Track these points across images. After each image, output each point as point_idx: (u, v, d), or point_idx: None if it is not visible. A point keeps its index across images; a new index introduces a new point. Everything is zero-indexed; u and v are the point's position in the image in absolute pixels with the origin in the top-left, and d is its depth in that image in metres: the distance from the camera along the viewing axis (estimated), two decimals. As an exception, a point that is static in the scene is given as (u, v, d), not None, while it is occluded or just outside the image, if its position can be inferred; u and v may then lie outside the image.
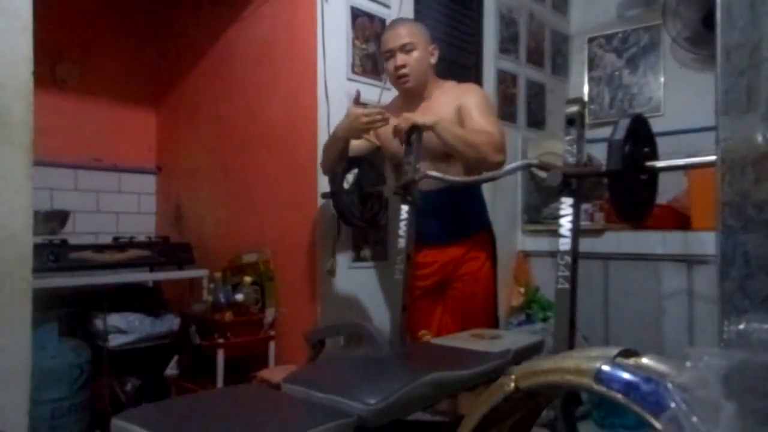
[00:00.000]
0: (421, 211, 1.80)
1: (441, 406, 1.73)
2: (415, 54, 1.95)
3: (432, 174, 1.74)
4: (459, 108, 1.92)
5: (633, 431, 2.41)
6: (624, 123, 1.22)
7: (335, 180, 1.94)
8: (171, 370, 2.32)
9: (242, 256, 2.46)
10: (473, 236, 2.06)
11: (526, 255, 3.23)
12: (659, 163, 1.27)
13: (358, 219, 2.00)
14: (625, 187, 1.26)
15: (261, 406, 1.24)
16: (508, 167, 1.63)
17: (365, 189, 1.97)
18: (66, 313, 2.22)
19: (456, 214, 2.03)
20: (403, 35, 1.95)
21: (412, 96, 2.03)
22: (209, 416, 1.15)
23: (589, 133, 3.19)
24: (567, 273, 1.31)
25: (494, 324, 2.09)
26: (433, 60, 2.03)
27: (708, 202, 2.16)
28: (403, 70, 1.96)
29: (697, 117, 3.02)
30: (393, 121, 1.90)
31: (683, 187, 2.81)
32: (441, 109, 1.94)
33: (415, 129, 1.78)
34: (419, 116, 1.80)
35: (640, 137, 1.25)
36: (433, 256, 2.01)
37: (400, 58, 1.95)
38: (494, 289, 2.10)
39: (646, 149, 1.27)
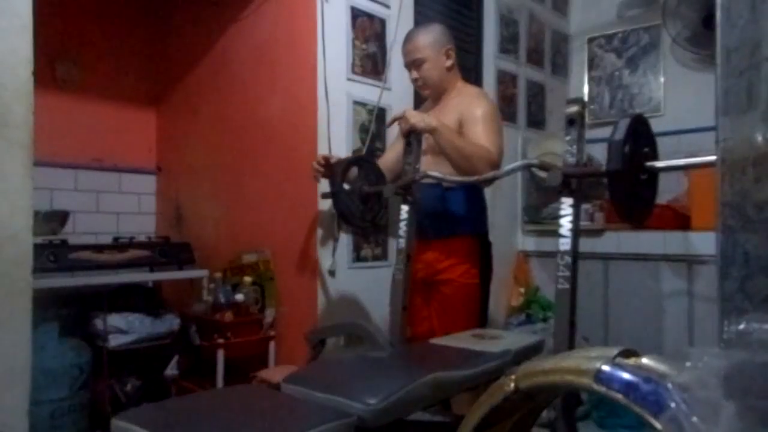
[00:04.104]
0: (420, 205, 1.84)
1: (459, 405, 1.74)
2: (424, 67, 2.06)
3: (432, 174, 1.75)
4: (462, 117, 1.98)
5: (633, 431, 2.41)
6: (624, 123, 1.23)
7: (335, 180, 1.94)
8: (171, 370, 2.32)
9: (242, 256, 2.47)
10: (457, 238, 2.04)
11: (526, 255, 3.23)
12: (659, 163, 1.27)
13: (359, 219, 2.00)
14: (626, 187, 1.26)
15: (261, 406, 1.24)
16: (508, 167, 1.63)
17: (365, 189, 1.98)
18: (66, 313, 2.22)
19: (444, 213, 2.03)
20: (411, 51, 2.07)
21: (434, 99, 2.15)
22: (209, 416, 1.15)
23: (589, 133, 3.19)
24: (567, 273, 1.32)
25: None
26: (449, 62, 2.09)
27: (708, 202, 2.16)
28: (418, 83, 2.12)
29: (697, 117, 3.02)
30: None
31: (683, 187, 2.81)
32: (445, 116, 1.96)
33: (413, 131, 1.80)
34: (419, 119, 1.81)
35: (640, 137, 1.26)
36: (418, 252, 2.00)
37: (413, 74, 2.10)
38: (480, 297, 2.06)
39: (646, 149, 1.27)
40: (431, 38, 2.06)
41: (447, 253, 2.03)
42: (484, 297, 2.09)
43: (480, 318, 2.07)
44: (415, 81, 2.12)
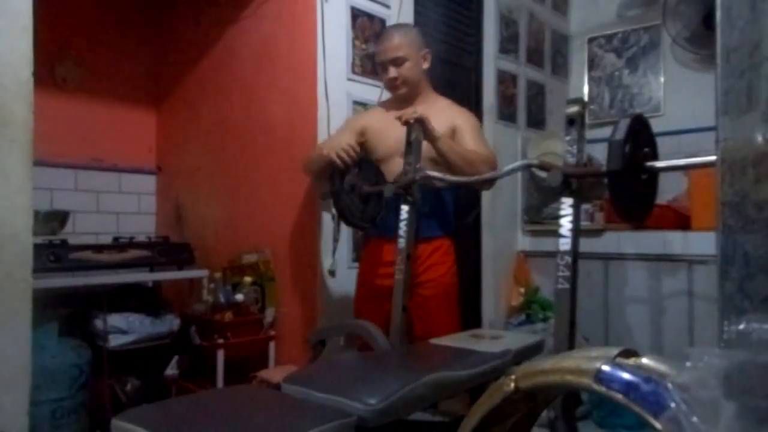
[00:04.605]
0: (393, 206, 1.87)
1: (449, 406, 1.74)
2: (406, 65, 2.03)
3: (432, 174, 1.75)
4: (453, 128, 2.01)
5: (633, 431, 2.41)
6: (624, 123, 1.23)
7: (335, 180, 1.94)
8: (171, 370, 2.32)
9: (242, 256, 2.47)
10: (438, 239, 2.06)
11: (526, 255, 3.23)
12: (659, 164, 1.27)
13: (359, 219, 2.00)
14: (626, 187, 1.26)
15: (261, 406, 1.24)
16: (508, 167, 1.63)
17: (365, 189, 1.97)
18: (66, 313, 2.22)
19: (426, 213, 2.03)
20: (394, 48, 2.02)
21: (405, 99, 2.09)
22: (209, 416, 1.15)
23: (589, 133, 3.19)
24: (567, 273, 1.32)
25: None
26: (426, 64, 2.09)
27: (708, 202, 2.16)
28: (396, 82, 2.05)
29: (697, 117, 3.03)
30: (383, 123, 2.02)
31: (683, 187, 2.81)
32: (439, 121, 1.95)
33: (419, 121, 1.81)
34: (429, 121, 1.83)
35: (640, 137, 1.26)
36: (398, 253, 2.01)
37: (392, 71, 2.03)
38: (458, 297, 2.09)
39: (646, 149, 1.27)
40: (412, 38, 2.06)
41: (429, 254, 2.03)
42: (461, 297, 2.11)
43: (461, 318, 2.09)
44: (393, 80, 2.05)
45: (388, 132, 2.02)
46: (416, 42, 2.06)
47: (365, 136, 2.10)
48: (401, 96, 2.09)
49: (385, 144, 2.04)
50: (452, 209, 2.15)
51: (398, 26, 2.22)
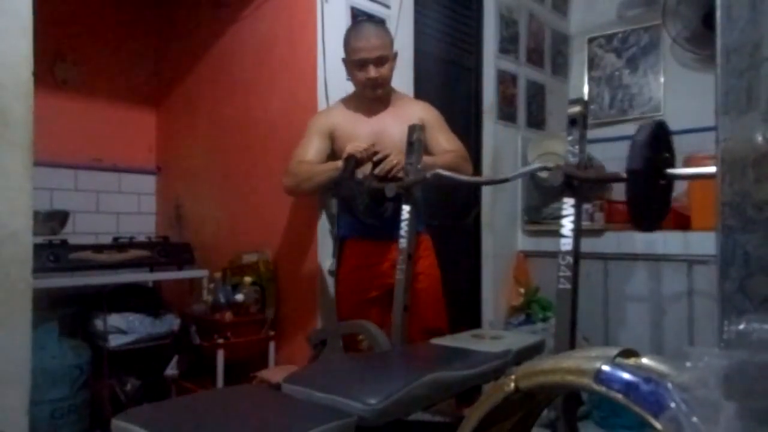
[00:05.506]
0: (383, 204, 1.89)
1: (441, 406, 1.74)
2: (387, 65, 1.98)
3: (443, 173, 1.74)
4: (422, 122, 1.98)
5: (633, 431, 2.41)
6: (647, 126, 1.24)
7: (347, 167, 1.89)
8: (171, 370, 2.32)
9: (242, 256, 2.46)
10: (420, 233, 2.07)
11: (526, 255, 3.23)
12: (679, 171, 1.28)
13: (361, 213, 1.97)
14: (644, 189, 1.25)
15: (261, 406, 1.24)
16: (520, 170, 1.66)
17: (374, 185, 1.94)
18: (66, 313, 2.22)
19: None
20: (377, 47, 1.94)
21: (378, 100, 2.05)
22: (209, 416, 1.15)
23: (589, 134, 3.18)
24: (568, 273, 1.31)
25: (447, 326, 2.07)
26: (395, 64, 2.04)
27: (708, 202, 2.16)
28: (378, 82, 1.98)
29: (697, 117, 3.02)
30: (353, 123, 2.01)
31: (683, 187, 2.81)
32: (410, 119, 1.95)
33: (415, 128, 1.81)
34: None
35: (661, 143, 1.26)
36: (384, 253, 2.01)
37: (374, 71, 1.95)
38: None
39: (667, 155, 1.27)
40: (390, 37, 2.02)
41: (416, 247, 2.03)
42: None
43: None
44: (374, 80, 1.95)
45: (358, 132, 2.00)
46: (392, 40, 2.02)
47: (334, 136, 2.05)
48: (378, 96, 2.02)
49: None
50: (426, 203, 2.18)
51: (374, 22, 2.14)
